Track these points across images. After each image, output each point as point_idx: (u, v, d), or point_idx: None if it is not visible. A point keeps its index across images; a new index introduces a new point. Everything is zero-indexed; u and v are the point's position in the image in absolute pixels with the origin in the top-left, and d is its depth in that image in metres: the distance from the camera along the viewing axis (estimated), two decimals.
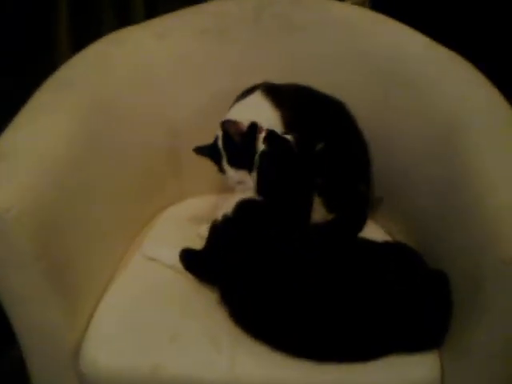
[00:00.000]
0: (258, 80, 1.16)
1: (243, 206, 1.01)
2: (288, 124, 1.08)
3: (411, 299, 0.93)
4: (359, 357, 0.92)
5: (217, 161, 1.07)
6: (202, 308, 0.99)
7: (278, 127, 1.07)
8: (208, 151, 1.08)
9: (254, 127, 1.03)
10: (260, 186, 1.01)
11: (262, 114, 1.07)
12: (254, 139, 1.01)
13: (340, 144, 1.14)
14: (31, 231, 0.85)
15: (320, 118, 1.14)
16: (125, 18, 1.45)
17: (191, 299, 1.01)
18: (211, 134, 1.09)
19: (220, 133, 1.06)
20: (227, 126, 1.02)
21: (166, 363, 0.93)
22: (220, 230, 1.03)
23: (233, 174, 1.04)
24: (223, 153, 1.06)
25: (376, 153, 1.18)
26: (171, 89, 1.20)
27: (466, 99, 1.05)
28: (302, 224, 1.02)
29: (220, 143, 1.06)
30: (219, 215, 1.03)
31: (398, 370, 0.92)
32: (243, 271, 0.97)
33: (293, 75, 1.19)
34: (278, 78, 1.17)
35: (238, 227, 1.01)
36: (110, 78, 1.11)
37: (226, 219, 1.01)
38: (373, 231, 1.18)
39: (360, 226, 1.16)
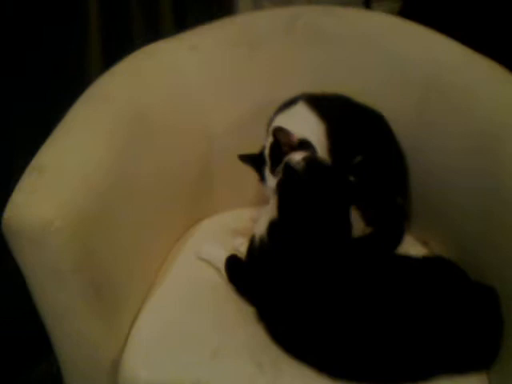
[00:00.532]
0: (291, 92, 1.15)
1: (275, 228, 0.98)
2: (331, 136, 1.07)
3: (458, 316, 0.91)
4: (406, 379, 0.89)
5: (259, 169, 1.06)
6: (244, 322, 0.97)
7: (322, 139, 1.06)
8: (252, 159, 1.07)
9: (305, 144, 1.02)
10: (279, 213, 0.97)
11: (308, 125, 1.06)
12: None
13: (378, 156, 1.13)
14: (72, 244, 0.84)
15: (359, 129, 1.13)
16: (155, 32, 1.46)
17: (232, 313, 1.00)
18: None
19: (269, 140, 1.05)
20: (279, 135, 1.01)
21: (207, 380, 0.91)
22: (257, 253, 1.01)
23: (273, 182, 1.03)
24: (268, 160, 1.05)
25: (413, 166, 1.16)
26: (206, 101, 1.19)
27: (505, 108, 1.02)
28: (341, 243, 0.98)
29: (267, 151, 1.05)
30: (256, 231, 1.01)
31: None
32: (282, 292, 0.95)
33: (325, 87, 1.18)
34: (311, 89, 1.16)
35: (273, 250, 0.98)
36: (146, 92, 1.10)
37: (262, 243, 0.99)
38: (410, 245, 1.16)
39: (398, 239, 1.14)
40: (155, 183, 1.07)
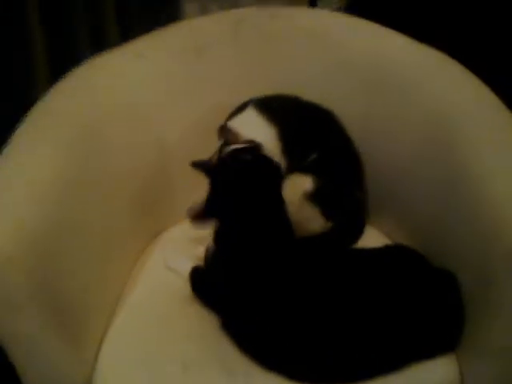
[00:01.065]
0: (241, 96, 1.14)
1: (219, 235, 0.98)
2: (283, 138, 1.07)
3: (420, 302, 0.92)
4: (377, 372, 0.89)
5: None
6: (213, 332, 0.96)
7: (274, 142, 1.06)
8: (204, 165, 1.05)
9: (254, 149, 1.01)
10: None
11: (258, 130, 1.06)
12: None
13: (332, 152, 1.13)
14: (24, 270, 0.81)
15: (311, 128, 1.13)
16: (101, 42, 1.43)
17: (201, 323, 0.98)
18: (200, 153, 1.06)
19: (219, 142, 1.04)
20: (227, 134, 1.01)
21: None
22: (210, 261, 1.01)
23: None
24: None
25: (369, 159, 1.17)
26: (156, 111, 1.17)
27: (452, 96, 1.05)
28: (284, 241, 0.98)
29: (216, 155, 1.04)
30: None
31: (415, 379, 0.90)
32: (239, 298, 0.94)
33: (275, 89, 1.18)
34: (261, 92, 1.16)
35: (221, 256, 0.98)
36: (94, 104, 1.08)
37: (212, 250, 0.99)
38: (373, 237, 1.17)
39: (359, 232, 1.15)
40: (111, 198, 1.05)
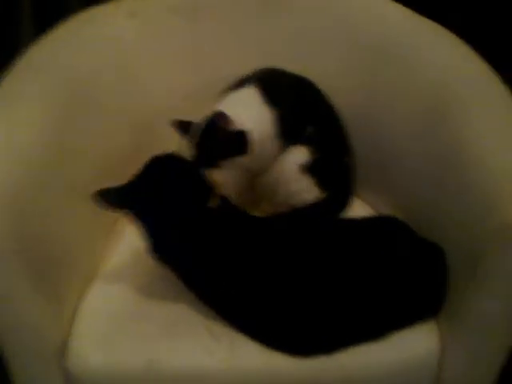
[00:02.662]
0: (235, 64, 1.11)
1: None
2: (282, 119, 1.04)
3: (403, 271, 0.92)
4: (357, 341, 0.90)
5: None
6: (193, 296, 0.94)
7: (268, 127, 1.03)
8: (185, 127, 1.03)
9: (239, 138, 1.00)
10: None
11: (256, 113, 1.02)
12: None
13: (324, 122, 1.13)
14: (7, 225, 0.79)
15: (305, 100, 1.11)
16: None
17: (181, 288, 0.95)
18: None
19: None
20: (219, 119, 0.98)
21: (161, 356, 0.88)
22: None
23: None
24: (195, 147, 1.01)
25: (364, 130, 1.16)
26: (145, 72, 1.14)
27: (452, 69, 1.04)
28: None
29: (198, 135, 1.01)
30: None
31: (396, 347, 0.91)
32: (218, 268, 0.92)
33: (270, 59, 1.14)
34: (257, 59, 1.12)
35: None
36: (82, 59, 1.05)
37: None
38: (358, 208, 1.17)
39: (347, 200, 1.16)
40: (94, 159, 1.02)
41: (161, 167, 0.92)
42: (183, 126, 1.04)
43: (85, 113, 1.02)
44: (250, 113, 1.02)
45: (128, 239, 1.07)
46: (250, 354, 0.89)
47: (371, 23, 1.15)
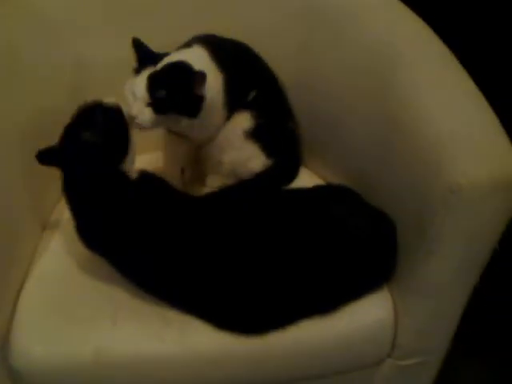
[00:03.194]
0: (163, 28, 1.07)
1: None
2: (227, 87, 1.00)
3: (351, 240, 0.90)
4: (310, 312, 0.89)
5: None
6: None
7: (219, 94, 0.99)
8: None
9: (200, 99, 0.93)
10: None
11: (206, 68, 0.94)
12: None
13: (265, 86, 1.09)
14: None
15: (246, 65, 1.08)
16: None
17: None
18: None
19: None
20: (199, 77, 0.90)
21: (109, 345, 0.85)
22: None
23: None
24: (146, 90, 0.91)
25: (306, 96, 1.13)
26: (78, 41, 1.08)
27: (393, 30, 1.02)
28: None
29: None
30: None
31: (350, 317, 0.90)
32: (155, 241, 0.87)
33: (207, 20, 1.11)
34: (189, 25, 1.07)
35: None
36: (12, 24, 0.99)
37: None
38: (308, 178, 1.15)
39: (296, 168, 1.15)
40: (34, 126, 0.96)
41: (86, 119, 0.87)
42: (141, 51, 0.94)
43: (17, 75, 0.96)
44: (196, 62, 0.94)
45: (64, 227, 1.01)
46: (201, 336, 0.87)
47: None
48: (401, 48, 0.98)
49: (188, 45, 1.02)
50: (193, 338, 0.86)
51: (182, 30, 1.03)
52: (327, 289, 0.89)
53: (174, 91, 0.90)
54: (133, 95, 0.90)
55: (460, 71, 0.93)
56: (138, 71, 0.92)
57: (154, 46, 0.95)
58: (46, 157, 0.86)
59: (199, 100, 0.93)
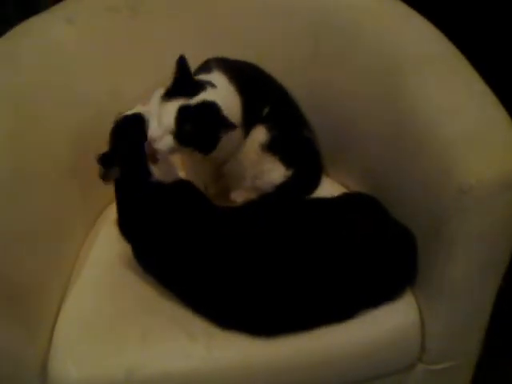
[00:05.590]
0: (178, 53, 1.08)
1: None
2: (244, 104, 1.02)
3: (371, 249, 0.91)
4: (334, 318, 0.89)
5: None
6: (166, 300, 0.94)
7: (239, 116, 1.00)
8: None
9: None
10: None
11: (230, 101, 0.98)
12: None
13: (277, 101, 1.11)
14: None
15: (258, 83, 1.10)
16: (30, 6, 1.35)
17: (152, 292, 0.96)
18: None
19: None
20: (227, 124, 0.92)
21: (140, 364, 0.87)
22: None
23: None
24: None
25: (316, 109, 1.14)
26: (92, 75, 1.11)
27: (400, 37, 1.03)
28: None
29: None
30: None
31: (374, 323, 0.91)
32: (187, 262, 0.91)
33: (216, 42, 1.14)
34: (198, 50, 1.07)
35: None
36: (25, 74, 1.01)
37: None
38: (330, 187, 1.16)
39: (317, 177, 1.16)
40: (50, 171, 1.00)
41: (126, 129, 0.93)
42: (181, 72, 0.94)
43: (32, 129, 0.98)
44: (225, 101, 0.96)
45: (97, 253, 1.06)
46: (227, 351, 0.88)
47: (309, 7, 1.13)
48: (409, 51, 0.99)
49: (207, 69, 1.03)
50: (219, 353, 0.88)
51: (192, 53, 1.05)
52: (348, 295, 0.89)
53: (200, 131, 0.92)
54: (159, 119, 0.92)
55: (470, 71, 0.93)
56: (170, 94, 0.93)
57: (168, 68, 0.98)
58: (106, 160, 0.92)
59: (217, 141, 0.95)
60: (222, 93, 0.97)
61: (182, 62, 0.93)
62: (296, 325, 0.88)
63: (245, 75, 1.07)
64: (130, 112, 0.94)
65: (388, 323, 0.91)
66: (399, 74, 0.98)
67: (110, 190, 0.99)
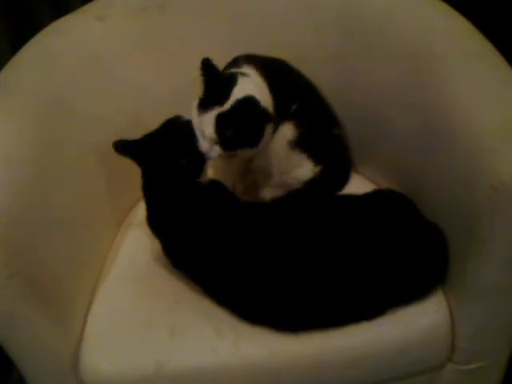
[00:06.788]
0: (207, 53, 1.09)
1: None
2: (274, 100, 1.00)
3: (405, 248, 0.90)
4: (363, 316, 0.89)
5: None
6: (197, 296, 0.95)
7: (271, 104, 0.99)
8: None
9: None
10: None
11: (265, 97, 0.97)
12: None
13: (305, 97, 1.11)
14: (2, 248, 0.79)
15: (286, 79, 1.10)
16: (62, 7, 1.37)
17: (181, 290, 0.97)
18: None
19: None
20: (265, 116, 0.93)
21: (169, 358, 0.89)
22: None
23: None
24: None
25: (346, 103, 1.13)
26: (122, 73, 1.12)
27: (430, 29, 1.01)
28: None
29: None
30: None
31: (405, 322, 0.90)
32: (216, 259, 0.92)
33: (244, 40, 1.14)
34: (227, 45, 1.10)
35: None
36: (57, 73, 1.03)
37: None
38: (359, 183, 1.16)
39: (347, 173, 1.16)
40: (83, 168, 1.02)
41: (171, 129, 0.95)
42: (209, 75, 0.94)
43: (67, 124, 1.01)
44: (259, 89, 0.96)
45: (129, 246, 1.08)
46: (255, 347, 0.89)
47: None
48: (438, 46, 0.97)
49: (236, 65, 1.03)
50: (245, 350, 0.89)
51: (221, 51, 1.05)
52: (378, 293, 0.89)
53: (243, 131, 0.93)
54: (202, 133, 0.94)
55: (502, 66, 0.90)
56: (204, 104, 0.94)
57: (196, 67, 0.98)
58: (122, 147, 0.94)
59: (262, 135, 0.95)
60: (255, 80, 0.97)
61: (206, 65, 0.93)
62: (324, 321, 0.88)
63: (274, 71, 1.06)
64: (185, 116, 0.95)
65: (418, 322, 0.91)
66: (429, 71, 0.96)
67: (136, 191, 1.01)
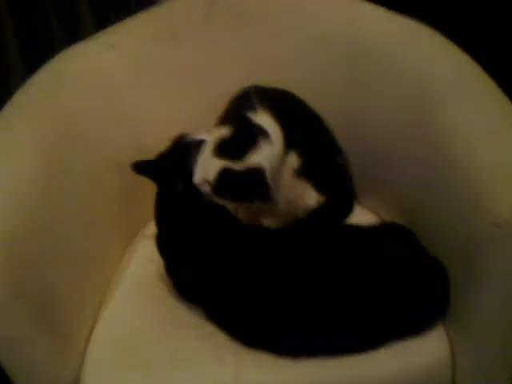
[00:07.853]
0: (217, 82, 1.12)
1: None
2: (283, 132, 1.03)
3: (407, 280, 0.91)
4: (363, 346, 0.89)
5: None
6: (199, 321, 0.96)
7: (281, 153, 1.02)
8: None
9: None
10: None
11: (277, 147, 1.01)
12: None
13: (309, 128, 1.13)
14: (3, 273, 0.80)
15: (293, 114, 1.12)
16: (74, 32, 1.40)
17: (187, 314, 0.98)
18: None
19: None
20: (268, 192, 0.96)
21: None
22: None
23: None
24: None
25: (350, 136, 1.15)
26: (134, 100, 1.15)
27: (433, 67, 1.03)
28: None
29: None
30: None
31: (404, 356, 0.90)
32: (220, 285, 0.94)
33: (251, 72, 1.16)
34: (237, 76, 1.13)
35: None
36: (69, 99, 1.06)
37: None
38: (361, 214, 1.17)
39: (350, 203, 1.16)
40: (91, 193, 1.04)
41: (182, 147, 0.98)
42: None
43: (76, 148, 1.03)
44: (275, 158, 0.99)
45: (132, 273, 1.09)
46: (257, 376, 0.89)
47: (348, 25, 1.14)
48: (436, 84, 0.99)
49: (250, 105, 1.04)
50: (247, 378, 0.89)
51: (231, 81, 1.09)
52: (378, 325, 0.89)
53: (238, 192, 0.96)
54: (204, 170, 0.96)
55: (504, 99, 0.92)
56: (221, 149, 0.96)
57: (207, 97, 1.00)
58: (140, 167, 0.97)
59: (252, 201, 1.00)
60: (274, 148, 0.99)
61: (244, 119, 0.97)
62: (324, 349, 0.89)
63: (282, 105, 1.08)
64: (195, 135, 0.99)
65: (418, 356, 0.91)
66: (427, 107, 0.98)
67: (146, 211, 1.03)
